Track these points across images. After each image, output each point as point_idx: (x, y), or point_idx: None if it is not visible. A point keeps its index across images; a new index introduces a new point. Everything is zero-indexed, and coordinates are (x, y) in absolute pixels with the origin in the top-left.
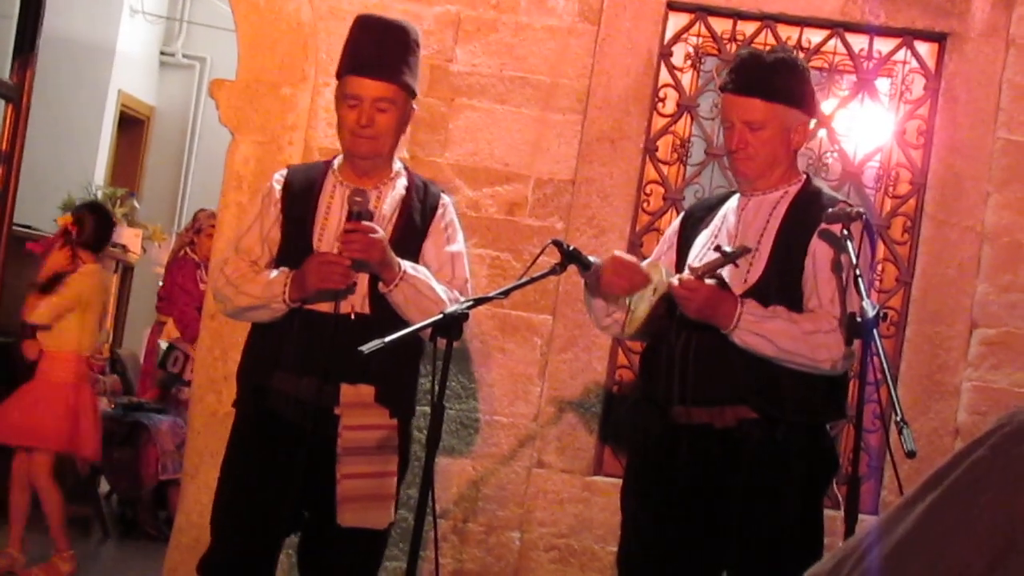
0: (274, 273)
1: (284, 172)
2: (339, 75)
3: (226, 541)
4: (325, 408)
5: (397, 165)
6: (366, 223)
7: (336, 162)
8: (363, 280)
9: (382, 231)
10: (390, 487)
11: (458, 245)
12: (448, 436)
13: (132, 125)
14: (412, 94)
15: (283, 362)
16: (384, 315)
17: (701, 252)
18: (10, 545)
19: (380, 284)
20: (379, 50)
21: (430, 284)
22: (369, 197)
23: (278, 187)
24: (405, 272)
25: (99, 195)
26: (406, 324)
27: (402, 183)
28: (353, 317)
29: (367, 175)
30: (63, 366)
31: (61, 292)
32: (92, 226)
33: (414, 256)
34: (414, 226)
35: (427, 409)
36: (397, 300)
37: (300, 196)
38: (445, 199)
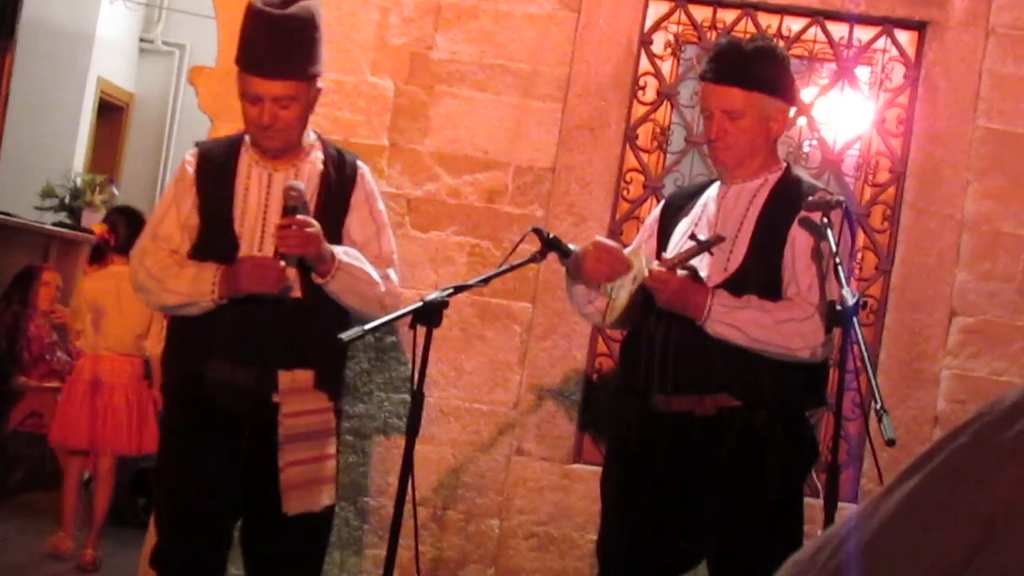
0: (191, 267)
1: (195, 151)
2: (237, 66)
3: (173, 535)
4: (264, 395)
5: (311, 137)
6: (302, 217)
7: (248, 138)
8: (293, 264)
9: (317, 224)
10: (330, 469)
11: (382, 217)
12: (427, 424)
13: (112, 112)
14: (316, 77)
15: (217, 350)
16: (318, 299)
17: (680, 240)
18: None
19: (314, 275)
20: (274, 47)
21: (363, 268)
22: (305, 191)
23: (191, 169)
24: (340, 261)
25: (78, 182)
26: (339, 307)
27: (318, 156)
28: (288, 302)
29: (281, 156)
30: (99, 367)
31: (75, 297)
32: (126, 230)
33: (337, 230)
34: (335, 199)
35: (406, 396)
36: (333, 289)
37: (216, 178)
38: (362, 166)
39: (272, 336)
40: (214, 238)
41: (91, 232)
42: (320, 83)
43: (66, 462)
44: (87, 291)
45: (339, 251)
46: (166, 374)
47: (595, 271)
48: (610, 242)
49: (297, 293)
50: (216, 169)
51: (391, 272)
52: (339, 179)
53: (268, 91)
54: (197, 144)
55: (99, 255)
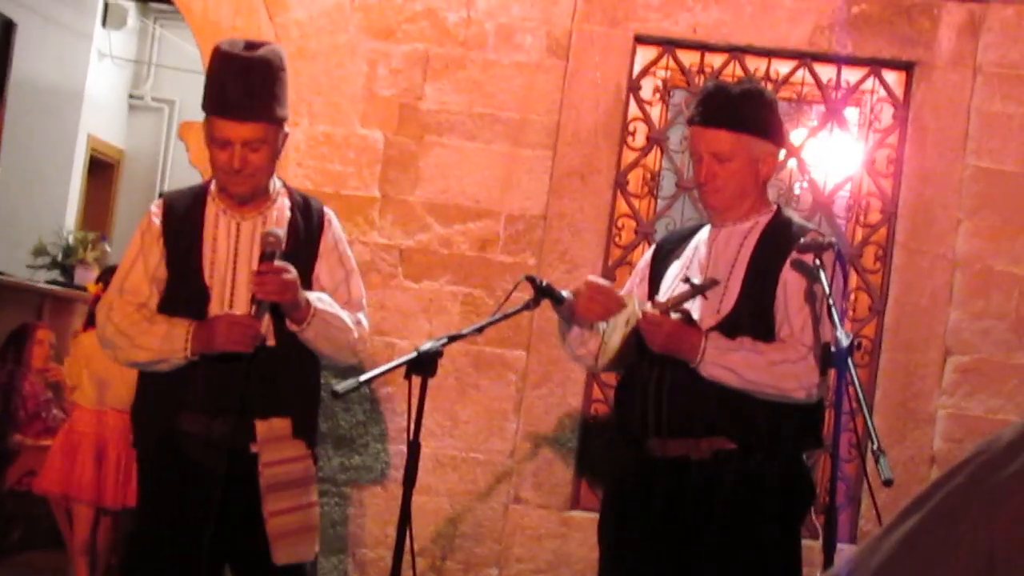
0: (161, 323)
1: (160, 202)
2: (204, 111)
3: None
4: (241, 446)
5: (276, 184)
6: (279, 263)
7: (214, 186)
8: (265, 312)
9: (294, 271)
10: (315, 517)
11: (351, 263)
12: (424, 474)
13: (102, 168)
14: (283, 121)
15: (190, 403)
16: (290, 345)
17: (673, 284)
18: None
19: (288, 323)
20: (243, 90)
21: (338, 315)
22: (283, 238)
23: (157, 221)
24: (316, 309)
25: (70, 239)
26: (312, 352)
27: (284, 203)
28: (261, 350)
29: (248, 203)
30: (88, 420)
31: (72, 353)
32: None
33: (307, 276)
34: (303, 246)
35: (402, 447)
36: (308, 337)
37: (183, 229)
38: (328, 212)
39: (247, 385)
40: (184, 290)
41: (84, 289)
42: (287, 128)
43: (77, 512)
44: (85, 347)
45: (313, 297)
46: (138, 429)
47: (588, 311)
48: (603, 281)
49: (271, 341)
50: (183, 220)
51: (361, 317)
52: (307, 226)
53: (237, 134)
54: (161, 195)
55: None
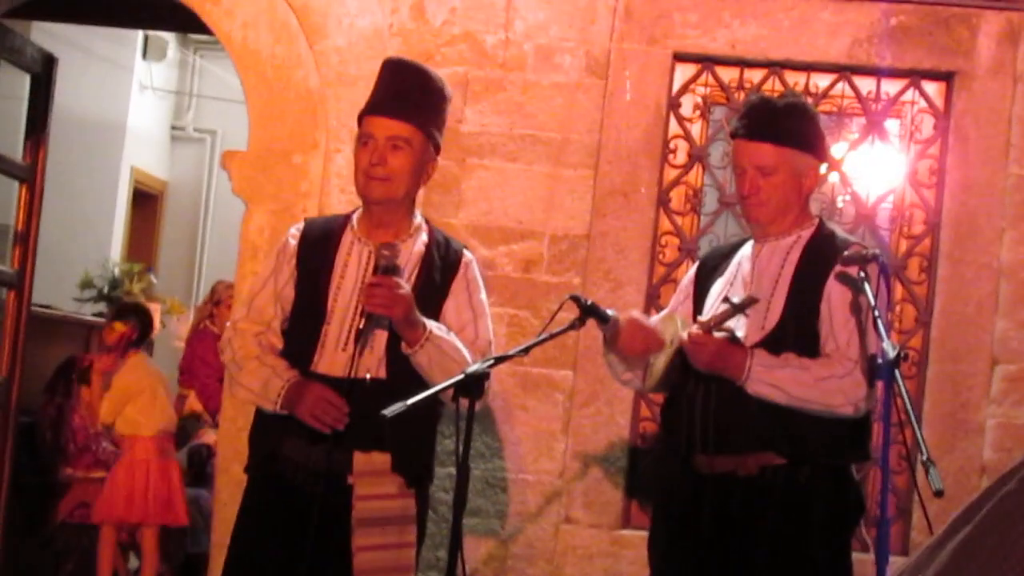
0: (268, 367)
1: (300, 226)
2: (359, 124)
3: None
4: (337, 476)
5: (418, 219)
6: (392, 278)
7: (355, 216)
8: (380, 343)
9: (408, 287)
10: (408, 558)
11: (482, 306)
12: (475, 496)
13: (146, 200)
14: (432, 140)
15: (294, 428)
16: (400, 380)
17: (716, 301)
18: None
19: (403, 345)
20: (395, 90)
21: (455, 345)
22: (399, 251)
23: (293, 242)
24: (431, 332)
25: (116, 271)
26: (423, 387)
27: (422, 239)
28: (368, 381)
29: (385, 227)
30: (140, 447)
31: (111, 391)
32: (140, 327)
33: (434, 315)
34: (434, 283)
35: (451, 470)
36: (421, 362)
37: (316, 252)
38: (468, 256)
39: (350, 416)
40: (305, 311)
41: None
42: (438, 158)
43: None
44: (124, 385)
45: (431, 324)
46: (250, 452)
47: (629, 348)
48: (644, 319)
49: (381, 373)
50: (318, 242)
51: (483, 358)
52: (442, 264)
53: (381, 130)
54: (305, 219)
55: (123, 351)
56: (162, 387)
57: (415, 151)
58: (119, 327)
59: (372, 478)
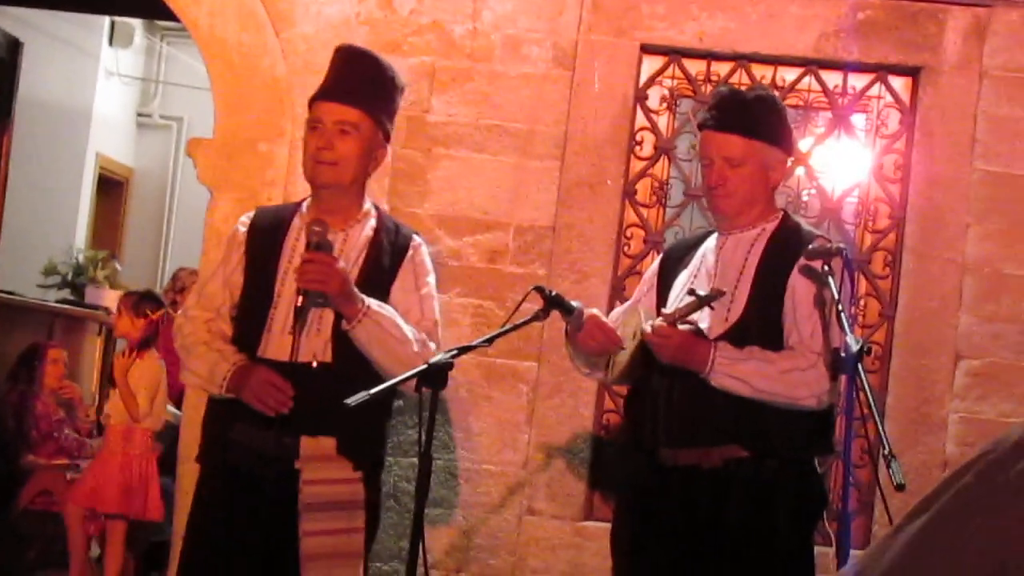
0: (215, 352)
1: (251, 214)
2: (309, 109)
3: None
4: (285, 461)
5: (367, 205)
6: (323, 253)
7: (305, 203)
8: (326, 326)
9: (343, 262)
10: (357, 544)
11: (428, 288)
12: (437, 487)
13: (111, 187)
14: (382, 127)
15: (242, 414)
16: (347, 363)
17: (680, 293)
18: None
19: (343, 322)
20: (345, 76)
21: (396, 322)
22: (328, 226)
23: (243, 229)
24: (369, 308)
25: (81, 258)
26: (370, 371)
27: (371, 224)
28: (315, 365)
29: (333, 213)
30: (139, 440)
31: (144, 383)
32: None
33: (382, 299)
34: (381, 268)
35: (415, 460)
36: (360, 338)
37: (265, 238)
38: (417, 240)
39: (297, 400)
40: (254, 295)
41: (95, 308)
42: (388, 147)
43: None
44: (155, 378)
45: (372, 301)
46: (201, 439)
47: (586, 346)
48: (604, 319)
49: (327, 357)
50: (267, 228)
51: (429, 340)
52: (391, 249)
53: (330, 115)
54: (257, 208)
55: (147, 344)
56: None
57: (363, 137)
58: (154, 314)
59: (319, 463)
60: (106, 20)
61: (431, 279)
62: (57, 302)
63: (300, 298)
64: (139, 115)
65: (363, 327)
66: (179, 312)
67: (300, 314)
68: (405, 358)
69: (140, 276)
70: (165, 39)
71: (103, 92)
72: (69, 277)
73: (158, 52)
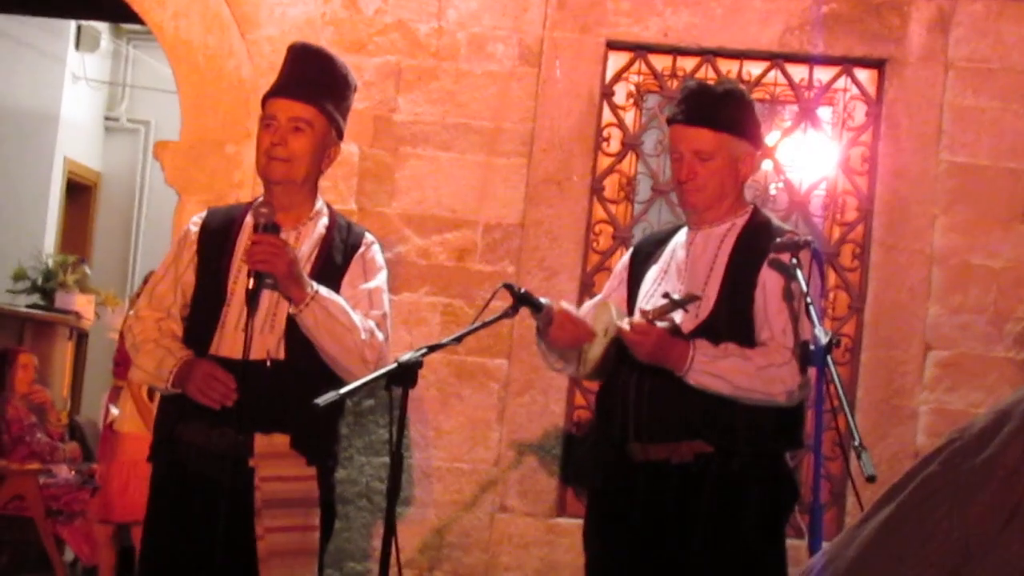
0: (163, 348)
1: (203, 214)
2: (263, 107)
3: None
4: (240, 459)
5: (319, 204)
6: (271, 235)
7: (257, 202)
8: (279, 323)
9: (290, 245)
10: (313, 542)
11: (377, 282)
12: (409, 485)
13: (80, 191)
14: (335, 125)
15: (193, 412)
16: (300, 360)
17: (651, 288)
18: None
19: (290, 306)
20: (299, 74)
21: (344, 308)
22: (274, 209)
23: (195, 229)
24: (317, 293)
25: (50, 263)
26: (324, 368)
27: (323, 222)
28: (268, 363)
29: (286, 210)
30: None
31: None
32: None
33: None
34: (334, 263)
35: (386, 459)
36: (307, 323)
37: (217, 238)
38: (369, 238)
39: (250, 397)
40: (207, 294)
41: (65, 312)
42: (340, 145)
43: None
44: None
45: (322, 288)
46: (152, 438)
47: (558, 340)
48: (574, 312)
49: (280, 354)
50: (219, 228)
51: (376, 328)
52: (343, 246)
53: (283, 111)
54: (208, 208)
55: None
56: None
57: (316, 134)
58: None
59: (274, 460)
60: (72, 24)
61: (382, 275)
62: (27, 307)
63: (251, 280)
64: (106, 119)
65: (310, 311)
66: (130, 313)
67: (252, 297)
68: (352, 346)
69: (109, 280)
70: (131, 43)
71: (70, 96)
72: (39, 282)
73: (125, 56)
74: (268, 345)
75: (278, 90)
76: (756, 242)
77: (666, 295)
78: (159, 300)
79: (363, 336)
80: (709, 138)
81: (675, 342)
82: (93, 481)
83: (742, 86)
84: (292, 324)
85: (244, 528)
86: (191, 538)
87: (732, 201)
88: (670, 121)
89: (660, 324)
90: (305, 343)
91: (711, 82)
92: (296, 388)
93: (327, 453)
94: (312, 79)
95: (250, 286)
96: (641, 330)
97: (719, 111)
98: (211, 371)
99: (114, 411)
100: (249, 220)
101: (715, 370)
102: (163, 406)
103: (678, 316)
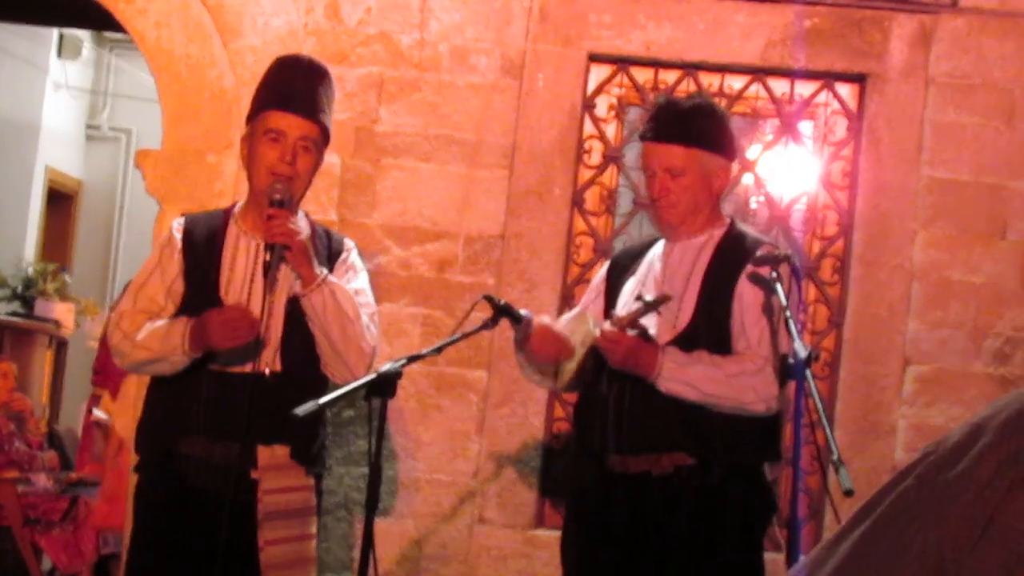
0: (163, 323)
1: (182, 221)
2: (256, 112)
3: None
4: (241, 471)
5: (299, 214)
6: (287, 211)
7: (236, 209)
8: (275, 334)
9: (304, 223)
10: (311, 550)
11: (363, 282)
12: (388, 496)
13: (61, 200)
14: (327, 142)
15: (193, 425)
16: (297, 370)
17: (628, 300)
18: None
19: (298, 286)
20: (303, 88)
21: (349, 295)
22: (289, 185)
23: (178, 235)
24: (327, 276)
25: (30, 271)
26: (318, 378)
27: (305, 232)
28: (268, 375)
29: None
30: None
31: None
32: None
33: None
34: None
35: (365, 470)
36: (315, 304)
37: (202, 247)
38: (349, 243)
39: (252, 410)
40: (198, 304)
41: (45, 320)
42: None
43: None
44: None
45: (330, 274)
46: (140, 451)
47: (539, 355)
48: (554, 326)
49: (277, 366)
50: (203, 237)
51: (371, 324)
52: (326, 252)
53: (294, 129)
54: (184, 214)
55: None
56: None
57: (320, 153)
58: None
59: (276, 471)
60: (54, 32)
61: (365, 275)
62: (6, 315)
63: (267, 255)
64: (88, 127)
65: (319, 294)
66: (111, 316)
67: (269, 270)
68: (353, 337)
69: (89, 288)
70: (114, 51)
71: (51, 105)
72: (19, 290)
73: (106, 64)
74: (265, 358)
75: (286, 103)
76: (733, 254)
77: (639, 297)
78: (148, 301)
79: (362, 329)
80: (679, 154)
81: (645, 348)
82: (73, 489)
83: (714, 99)
84: (287, 337)
85: (245, 539)
86: (186, 551)
87: (707, 215)
88: (642, 138)
89: (631, 332)
90: (301, 354)
91: (682, 97)
92: (295, 399)
93: (323, 462)
94: (318, 95)
95: (266, 258)
96: (612, 337)
97: (688, 126)
98: (222, 317)
99: (100, 414)
100: (233, 229)
101: (684, 377)
102: (160, 418)
103: (654, 327)
